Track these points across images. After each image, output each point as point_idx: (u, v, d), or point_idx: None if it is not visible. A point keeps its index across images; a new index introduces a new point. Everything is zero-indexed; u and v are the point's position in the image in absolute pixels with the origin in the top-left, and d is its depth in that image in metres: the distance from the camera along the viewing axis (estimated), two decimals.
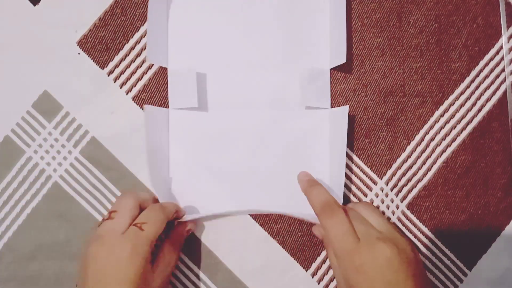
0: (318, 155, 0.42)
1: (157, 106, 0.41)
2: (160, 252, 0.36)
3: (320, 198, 0.36)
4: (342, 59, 0.39)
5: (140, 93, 0.41)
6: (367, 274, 0.32)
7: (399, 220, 0.42)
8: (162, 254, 0.36)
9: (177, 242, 0.38)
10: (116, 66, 0.40)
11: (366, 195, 0.42)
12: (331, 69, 0.42)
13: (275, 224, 0.42)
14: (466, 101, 0.43)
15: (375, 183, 0.42)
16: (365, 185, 0.42)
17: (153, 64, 0.41)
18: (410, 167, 0.42)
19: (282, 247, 0.42)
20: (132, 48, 0.41)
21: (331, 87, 0.42)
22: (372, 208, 0.38)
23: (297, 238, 0.42)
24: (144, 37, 0.41)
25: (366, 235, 0.34)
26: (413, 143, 0.42)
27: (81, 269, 0.33)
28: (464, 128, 0.43)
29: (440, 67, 0.43)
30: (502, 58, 0.43)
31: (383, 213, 0.42)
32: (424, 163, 0.43)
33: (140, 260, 0.32)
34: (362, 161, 0.42)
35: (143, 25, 0.41)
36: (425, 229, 0.42)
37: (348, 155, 0.42)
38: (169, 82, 0.40)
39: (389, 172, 0.42)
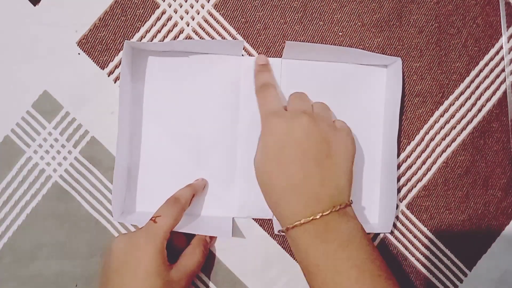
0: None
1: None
2: (182, 253, 0.38)
3: (261, 80, 0.38)
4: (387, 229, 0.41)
5: None
6: (277, 135, 0.32)
7: (399, 220, 0.42)
8: (183, 254, 0.37)
9: (198, 246, 0.39)
10: (116, 66, 0.40)
11: None
12: None
13: None
14: (466, 101, 0.43)
15: None
16: None
17: None
18: (409, 167, 0.42)
19: (282, 247, 0.42)
20: None
21: None
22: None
23: None
24: (144, 37, 0.41)
25: (296, 106, 0.35)
26: (413, 143, 0.42)
27: (105, 257, 0.36)
28: (464, 128, 0.43)
29: (440, 67, 0.43)
30: (502, 58, 0.43)
31: None
32: (423, 163, 0.43)
33: (153, 249, 0.34)
34: None
35: (143, 25, 0.41)
36: (425, 229, 0.42)
37: None
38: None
39: None
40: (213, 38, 0.41)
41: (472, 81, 0.43)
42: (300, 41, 0.42)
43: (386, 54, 0.42)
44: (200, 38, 0.41)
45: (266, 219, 0.42)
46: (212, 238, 0.41)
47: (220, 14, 0.41)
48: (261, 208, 0.41)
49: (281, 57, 0.41)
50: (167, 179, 0.41)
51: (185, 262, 0.37)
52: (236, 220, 0.41)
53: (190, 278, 0.37)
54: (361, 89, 0.42)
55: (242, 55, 0.41)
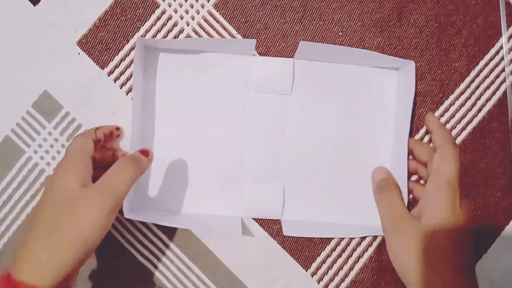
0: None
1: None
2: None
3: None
4: None
5: None
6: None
7: None
8: (111, 168, 0.33)
9: (133, 164, 0.34)
10: (116, 66, 0.40)
11: None
12: None
13: (275, 224, 0.41)
14: (466, 101, 0.43)
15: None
16: None
17: None
18: None
19: (282, 247, 0.42)
20: (132, 48, 0.41)
21: None
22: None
23: (297, 238, 0.41)
24: (144, 37, 0.41)
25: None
26: None
27: None
28: (464, 128, 0.43)
29: (440, 67, 0.43)
30: (502, 58, 0.43)
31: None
32: None
33: (68, 162, 0.33)
34: None
35: (143, 25, 0.41)
36: None
37: None
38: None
39: None
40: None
41: (472, 81, 0.43)
42: (300, 41, 0.42)
43: (386, 54, 0.42)
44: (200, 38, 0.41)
45: (266, 220, 0.42)
46: (149, 156, 0.36)
47: (220, 14, 0.41)
48: (269, 208, 0.41)
49: (291, 56, 0.41)
50: (177, 177, 0.41)
51: (111, 177, 0.33)
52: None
53: (115, 201, 0.32)
54: (371, 91, 0.42)
55: (254, 55, 0.41)
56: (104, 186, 0.32)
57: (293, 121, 0.41)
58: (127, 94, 0.41)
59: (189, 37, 0.41)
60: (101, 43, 0.40)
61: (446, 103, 0.43)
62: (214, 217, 0.41)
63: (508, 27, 0.43)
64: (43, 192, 0.34)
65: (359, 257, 0.42)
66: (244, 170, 0.41)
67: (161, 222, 0.37)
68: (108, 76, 0.40)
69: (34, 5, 0.40)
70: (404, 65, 0.41)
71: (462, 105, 0.43)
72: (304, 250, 0.41)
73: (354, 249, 0.42)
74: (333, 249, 0.42)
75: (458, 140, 0.43)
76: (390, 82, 0.42)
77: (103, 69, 0.40)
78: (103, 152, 0.38)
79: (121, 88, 0.41)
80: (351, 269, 0.42)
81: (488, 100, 0.43)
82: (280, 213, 0.41)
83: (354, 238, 0.42)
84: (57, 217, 0.31)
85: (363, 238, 0.42)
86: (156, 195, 0.41)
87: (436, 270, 0.32)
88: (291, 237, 0.41)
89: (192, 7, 0.41)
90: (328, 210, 0.42)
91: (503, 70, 0.43)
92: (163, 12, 0.41)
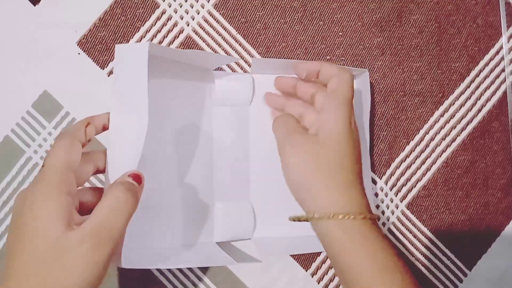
0: None
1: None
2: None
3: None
4: None
5: None
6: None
7: (399, 219, 0.42)
8: (99, 202, 0.28)
9: (125, 192, 0.28)
10: None
11: None
12: None
13: None
14: (466, 101, 0.43)
15: (374, 182, 0.42)
16: None
17: None
18: (408, 167, 0.42)
19: None
20: None
21: None
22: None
23: None
24: (144, 37, 0.41)
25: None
26: (412, 143, 0.43)
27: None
28: (464, 128, 0.43)
29: (440, 67, 0.43)
30: (502, 58, 0.43)
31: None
32: (423, 163, 0.43)
33: (48, 190, 0.27)
34: None
35: (143, 25, 0.41)
36: (425, 229, 0.42)
37: None
38: None
39: (388, 172, 0.42)
40: (213, 39, 0.41)
41: (472, 81, 0.43)
42: (300, 41, 0.42)
43: (386, 54, 0.42)
44: (200, 38, 0.41)
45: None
46: (142, 182, 0.30)
47: (220, 14, 0.41)
48: (240, 226, 0.40)
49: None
50: (145, 208, 0.35)
51: (106, 221, 0.27)
52: None
53: (113, 249, 0.27)
54: None
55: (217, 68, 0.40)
56: (99, 234, 0.26)
57: (255, 134, 0.40)
58: None
59: (189, 37, 0.41)
60: (101, 43, 0.40)
61: (446, 103, 0.43)
62: (194, 248, 0.38)
63: (508, 27, 0.43)
64: (16, 231, 0.27)
65: None
66: (213, 193, 0.39)
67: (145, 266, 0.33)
68: (108, 76, 0.40)
69: (34, 5, 0.40)
70: (360, 73, 0.40)
71: (462, 105, 0.43)
72: None
73: None
74: None
75: (458, 140, 0.43)
76: None
77: (103, 69, 0.40)
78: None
79: None
80: None
81: (488, 100, 0.43)
82: (251, 230, 0.40)
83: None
84: (43, 276, 0.25)
85: None
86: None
87: (331, 179, 0.31)
88: None
89: (192, 7, 0.41)
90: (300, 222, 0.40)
91: (503, 70, 0.43)
92: (163, 12, 0.41)
